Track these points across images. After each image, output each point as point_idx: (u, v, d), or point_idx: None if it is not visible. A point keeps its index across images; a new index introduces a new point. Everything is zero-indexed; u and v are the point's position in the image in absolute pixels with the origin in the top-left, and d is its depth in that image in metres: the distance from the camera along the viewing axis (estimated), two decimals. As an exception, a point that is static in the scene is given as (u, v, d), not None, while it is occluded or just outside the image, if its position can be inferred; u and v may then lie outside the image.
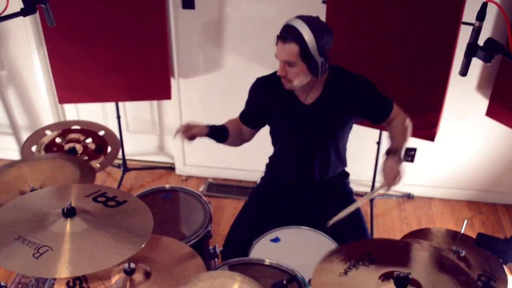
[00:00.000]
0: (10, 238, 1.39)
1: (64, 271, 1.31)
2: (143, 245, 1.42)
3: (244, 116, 2.18)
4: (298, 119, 2.04)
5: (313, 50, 1.80)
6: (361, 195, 3.14)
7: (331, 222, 1.89)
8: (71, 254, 1.36)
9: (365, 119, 2.09)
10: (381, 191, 1.92)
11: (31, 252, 1.35)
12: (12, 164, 1.94)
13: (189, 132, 1.99)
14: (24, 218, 1.48)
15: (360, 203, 1.97)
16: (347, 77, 2.01)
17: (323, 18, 2.09)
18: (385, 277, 1.38)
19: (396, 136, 2.02)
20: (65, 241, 1.39)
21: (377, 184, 3.14)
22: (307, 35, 1.78)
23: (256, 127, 2.21)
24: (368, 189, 3.15)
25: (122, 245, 1.41)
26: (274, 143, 2.20)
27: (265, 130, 2.24)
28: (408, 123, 2.04)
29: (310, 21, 1.81)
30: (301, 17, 1.82)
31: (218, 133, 2.08)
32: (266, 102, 2.09)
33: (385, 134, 2.77)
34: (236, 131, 2.17)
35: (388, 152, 1.94)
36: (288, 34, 1.80)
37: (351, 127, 2.13)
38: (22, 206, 1.56)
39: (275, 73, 2.04)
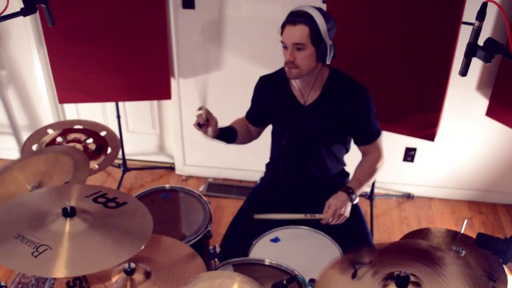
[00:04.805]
0: (9, 236, 1.38)
1: (62, 271, 1.30)
2: (142, 247, 1.41)
3: (249, 114, 2.21)
4: (296, 120, 2.04)
5: (323, 32, 1.81)
6: (361, 195, 3.14)
7: (258, 216, 1.93)
8: (70, 254, 1.35)
9: (347, 133, 2.07)
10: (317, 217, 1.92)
11: (30, 250, 1.34)
12: (10, 163, 1.93)
13: (206, 128, 1.94)
14: (24, 217, 1.48)
15: (293, 217, 1.95)
16: (347, 82, 2.00)
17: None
18: (386, 279, 1.38)
19: (360, 174, 2.03)
20: (64, 241, 1.39)
21: (375, 188, 3.15)
22: (317, 16, 1.79)
23: (261, 125, 2.22)
24: (369, 189, 3.15)
25: (121, 247, 1.40)
26: (276, 143, 2.20)
27: (265, 130, 2.24)
28: (380, 166, 2.04)
29: (316, 7, 1.84)
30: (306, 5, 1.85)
31: (227, 135, 2.07)
32: (267, 101, 2.10)
33: (386, 133, 2.76)
34: (244, 130, 2.17)
35: (345, 189, 1.95)
36: (297, 16, 1.81)
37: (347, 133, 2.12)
38: (22, 205, 1.56)
39: (278, 71, 2.04)
